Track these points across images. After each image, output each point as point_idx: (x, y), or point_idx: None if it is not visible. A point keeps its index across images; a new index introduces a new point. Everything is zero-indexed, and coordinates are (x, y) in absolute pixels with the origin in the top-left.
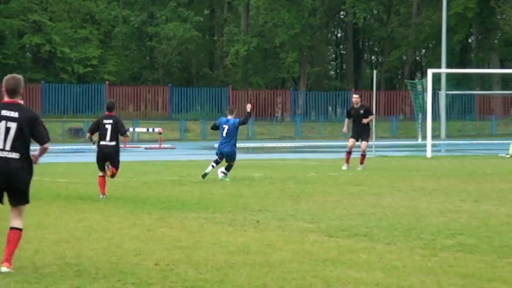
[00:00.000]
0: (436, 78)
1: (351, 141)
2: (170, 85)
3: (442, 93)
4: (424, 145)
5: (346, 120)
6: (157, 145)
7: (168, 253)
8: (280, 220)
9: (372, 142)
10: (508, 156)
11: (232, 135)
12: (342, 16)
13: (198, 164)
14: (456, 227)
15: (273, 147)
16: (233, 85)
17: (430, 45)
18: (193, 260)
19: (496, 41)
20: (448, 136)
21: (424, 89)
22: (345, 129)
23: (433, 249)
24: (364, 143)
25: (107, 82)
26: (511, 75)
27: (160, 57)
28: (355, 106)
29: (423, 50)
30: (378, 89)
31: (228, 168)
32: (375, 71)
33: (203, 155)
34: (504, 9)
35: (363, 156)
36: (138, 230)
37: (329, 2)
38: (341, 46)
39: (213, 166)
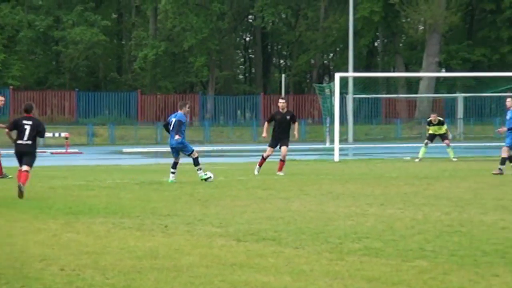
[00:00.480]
0: (344, 82)
1: (270, 150)
2: (77, 89)
3: (350, 97)
4: (332, 149)
5: (266, 125)
6: (63, 150)
7: (74, 258)
8: (188, 224)
9: None
10: (417, 160)
11: (175, 129)
12: (250, 20)
13: (106, 169)
14: (363, 231)
15: None
16: (141, 89)
17: (338, 49)
18: (100, 265)
19: (401, 45)
20: (356, 140)
21: (332, 93)
22: (265, 134)
23: (340, 253)
24: (284, 148)
25: (11, 87)
26: (415, 78)
27: (67, 62)
28: (281, 111)
29: (331, 54)
30: (286, 93)
31: (195, 163)
32: (283, 75)
33: (111, 159)
34: (409, 13)
35: (283, 162)
36: (43, 236)
37: (238, 6)
38: (249, 50)
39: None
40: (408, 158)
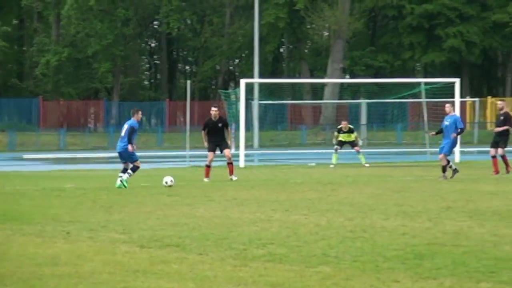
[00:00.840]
0: (249, 88)
1: (210, 155)
2: None
3: (255, 103)
4: (238, 155)
5: (203, 134)
6: None
7: None
8: (91, 231)
9: (187, 152)
10: (332, 166)
11: (126, 135)
12: (156, 26)
13: (5, 175)
14: (267, 237)
15: (86, 158)
16: (43, 95)
17: (243, 55)
18: None
19: (306, 51)
20: (261, 146)
21: (238, 99)
22: (206, 143)
23: (244, 259)
24: (227, 151)
25: None
26: (320, 84)
27: None
28: (213, 119)
29: (237, 60)
30: (192, 99)
31: (132, 169)
32: (189, 81)
33: (11, 166)
34: (313, 19)
35: (231, 164)
36: None
37: (142, 12)
38: (155, 56)
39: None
40: (313, 164)
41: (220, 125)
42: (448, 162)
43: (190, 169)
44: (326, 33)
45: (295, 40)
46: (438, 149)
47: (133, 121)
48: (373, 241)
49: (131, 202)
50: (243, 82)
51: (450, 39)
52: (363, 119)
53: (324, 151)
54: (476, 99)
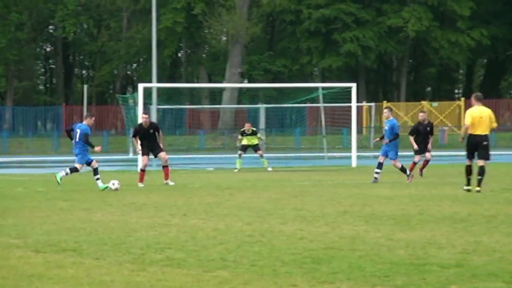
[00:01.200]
0: (147, 92)
1: (144, 159)
2: None
3: (153, 108)
4: (136, 160)
5: (134, 140)
6: None
7: None
8: None
9: None
10: (236, 170)
11: (81, 140)
12: (51, 31)
13: None
14: (165, 241)
15: None
16: None
17: (141, 59)
18: None
19: (204, 56)
20: None
21: (136, 104)
22: (138, 148)
23: (142, 264)
24: (162, 154)
25: None
26: (218, 89)
27: None
28: (144, 126)
29: (134, 65)
30: (89, 103)
31: (95, 173)
32: (85, 86)
33: None
34: (211, 23)
35: (167, 167)
36: None
37: (37, 16)
38: (50, 61)
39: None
40: (211, 168)
41: (151, 131)
42: (401, 164)
43: (87, 175)
44: (224, 38)
45: (193, 44)
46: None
47: (86, 126)
48: (271, 246)
49: (26, 207)
50: (141, 86)
51: (347, 44)
52: (262, 124)
53: (222, 156)
54: (372, 103)
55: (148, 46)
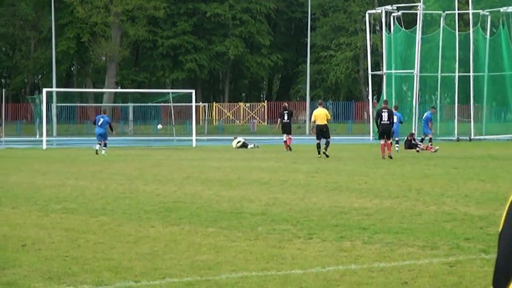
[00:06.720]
0: (49, 94)
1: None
2: None
3: (54, 105)
4: (41, 141)
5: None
6: None
7: None
8: None
9: None
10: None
11: (104, 124)
12: None
13: None
14: (62, 196)
15: None
16: None
17: (45, 72)
18: None
19: (90, 70)
20: (58, 134)
21: (41, 102)
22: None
23: (46, 211)
24: None
25: None
26: (100, 93)
27: None
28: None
29: (40, 75)
30: (6, 102)
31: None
32: (4, 90)
33: None
34: (95, 48)
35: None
36: None
37: None
38: None
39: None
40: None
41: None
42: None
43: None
44: (103, 58)
45: (82, 62)
46: (191, 138)
47: (108, 117)
48: (137, 200)
49: None
50: (44, 90)
51: (189, 63)
52: (131, 117)
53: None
54: (206, 104)
55: (50, 63)
